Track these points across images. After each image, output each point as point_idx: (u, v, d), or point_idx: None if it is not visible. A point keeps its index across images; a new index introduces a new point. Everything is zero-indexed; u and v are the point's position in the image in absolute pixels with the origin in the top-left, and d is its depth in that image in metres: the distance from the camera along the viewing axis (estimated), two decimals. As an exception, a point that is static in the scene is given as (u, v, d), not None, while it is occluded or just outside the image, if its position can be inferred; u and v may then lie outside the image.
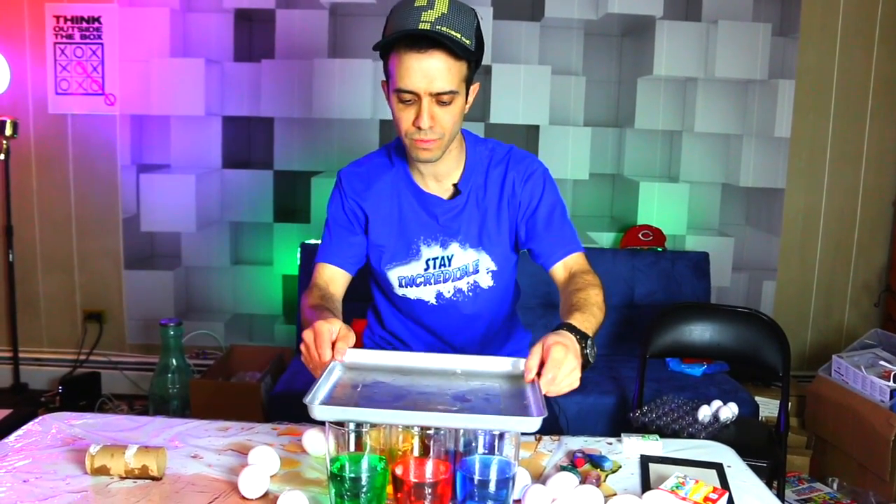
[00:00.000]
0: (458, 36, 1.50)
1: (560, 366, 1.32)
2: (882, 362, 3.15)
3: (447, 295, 1.77)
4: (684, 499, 1.31)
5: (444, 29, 1.48)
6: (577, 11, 3.77)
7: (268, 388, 3.31)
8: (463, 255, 1.74)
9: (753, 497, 1.39)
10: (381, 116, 3.80)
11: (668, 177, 4.15)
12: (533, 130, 3.97)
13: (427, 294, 1.77)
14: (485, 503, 1.20)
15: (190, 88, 3.73)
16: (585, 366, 1.40)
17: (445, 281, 1.76)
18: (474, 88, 1.63)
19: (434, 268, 1.75)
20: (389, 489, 1.24)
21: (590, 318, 1.52)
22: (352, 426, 1.23)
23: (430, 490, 1.20)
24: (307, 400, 1.21)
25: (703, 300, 3.56)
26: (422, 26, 1.47)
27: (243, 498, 1.30)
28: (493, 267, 1.76)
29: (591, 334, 1.47)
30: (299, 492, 1.25)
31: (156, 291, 3.93)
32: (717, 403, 2.71)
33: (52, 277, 3.99)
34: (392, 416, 1.24)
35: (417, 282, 1.77)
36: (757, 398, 3.15)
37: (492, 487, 1.20)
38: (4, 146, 3.64)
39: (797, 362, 3.84)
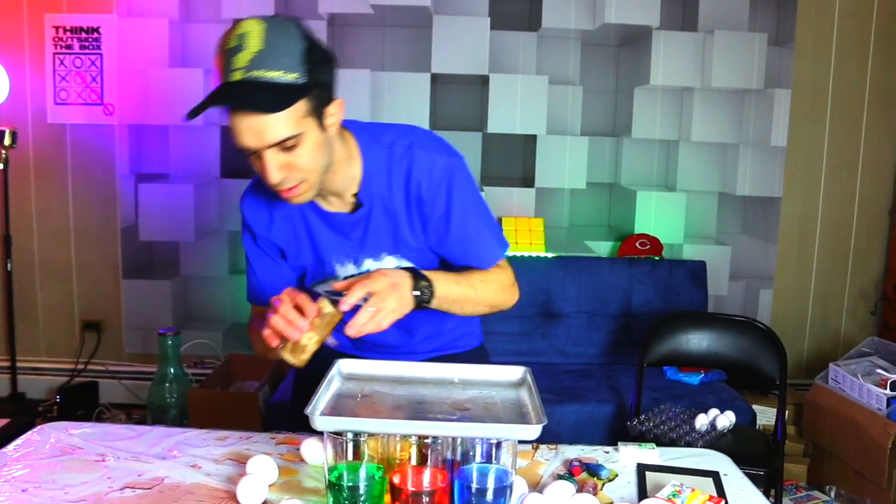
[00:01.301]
0: (280, 74, 1.30)
1: (383, 299, 1.38)
2: (879, 370, 3.16)
3: None
4: (681, 507, 1.32)
5: (257, 74, 1.29)
6: (574, 22, 3.79)
7: (266, 398, 3.31)
8: (380, 266, 1.62)
9: (750, 505, 1.40)
10: (379, 126, 3.81)
11: (665, 186, 4.16)
12: (530, 140, 3.98)
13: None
14: (482, 512, 1.20)
15: (188, 98, 3.73)
16: (419, 306, 1.46)
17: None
18: (337, 105, 1.42)
19: None
20: (387, 498, 1.24)
21: (449, 277, 1.54)
22: (350, 435, 1.24)
23: (427, 499, 1.20)
24: (308, 411, 1.22)
25: (700, 309, 3.57)
26: (234, 76, 1.30)
27: (242, 507, 1.31)
28: None
29: (433, 279, 1.48)
30: (297, 501, 1.25)
31: (154, 300, 3.93)
32: (714, 412, 2.72)
33: (51, 286, 3.99)
34: (392, 425, 1.25)
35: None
36: (754, 406, 3.16)
37: (489, 496, 1.20)
38: (3, 156, 3.65)
39: (794, 370, 3.85)
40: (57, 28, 3.78)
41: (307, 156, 1.39)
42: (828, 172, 3.93)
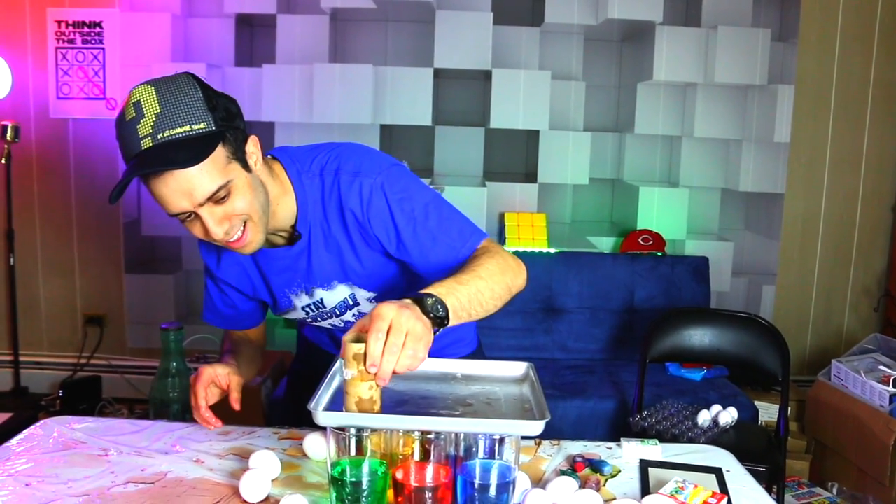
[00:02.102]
0: (187, 129, 1.27)
1: (400, 329, 1.16)
2: (882, 367, 3.16)
3: (342, 325, 1.66)
4: (683, 503, 1.32)
5: (166, 134, 1.26)
6: (577, 17, 3.78)
7: (268, 392, 3.31)
8: (332, 295, 1.58)
9: (752, 502, 1.39)
10: (382, 122, 3.81)
11: (667, 182, 4.16)
12: (533, 135, 3.98)
13: (325, 326, 1.69)
14: (485, 507, 1.20)
15: (191, 93, 3.73)
16: (437, 326, 1.23)
17: (330, 317, 1.64)
18: (252, 144, 1.39)
19: (313, 310, 1.63)
20: (390, 493, 1.24)
21: (446, 281, 1.30)
22: (352, 431, 1.23)
23: (430, 494, 1.20)
24: (311, 406, 1.22)
25: (702, 305, 3.57)
26: (144, 144, 1.26)
27: (244, 502, 1.31)
28: (370, 295, 1.57)
29: (434, 293, 1.25)
30: (300, 496, 1.25)
31: (156, 295, 3.94)
32: (716, 408, 2.72)
33: (53, 281, 3.99)
34: (395, 421, 1.24)
35: (307, 322, 1.70)
36: (756, 403, 3.16)
37: (492, 492, 1.20)
38: (6, 150, 3.65)
39: (797, 367, 3.84)
40: (59, 22, 3.78)
41: (242, 200, 1.35)
42: (831, 169, 3.93)
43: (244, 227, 1.38)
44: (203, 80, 1.35)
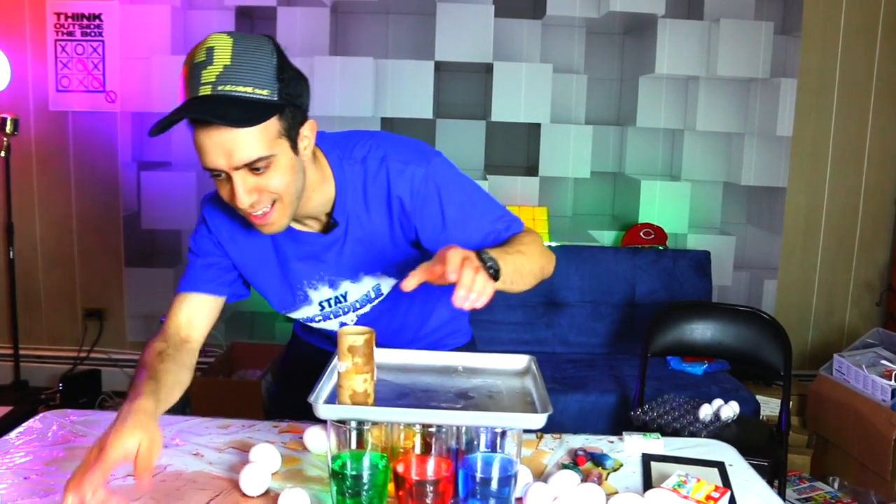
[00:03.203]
0: (250, 90, 1.23)
1: (470, 266, 1.18)
2: (883, 361, 3.15)
3: (352, 322, 1.61)
4: (686, 497, 1.31)
5: (227, 88, 1.21)
6: (579, 9, 3.76)
7: (268, 386, 3.31)
8: (358, 287, 1.55)
9: (755, 496, 1.39)
10: (382, 114, 3.80)
11: (669, 175, 4.15)
12: (534, 128, 3.97)
13: (331, 326, 1.62)
14: (487, 501, 1.19)
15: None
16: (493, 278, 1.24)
17: (346, 313, 1.60)
18: (309, 128, 1.34)
19: (330, 306, 1.58)
20: (391, 487, 1.23)
21: (495, 250, 1.31)
22: (353, 424, 1.23)
23: (431, 488, 1.19)
24: (311, 399, 1.21)
25: (704, 299, 3.56)
26: (202, 91, 1.21)
27: (244, 495, 1.30)
28: (394, 282, 1.55)
29: (491, 254, 1.26)
30: (300, 489, 1.24)
31: (156, 289, 3.93)
32: (718, 402, 2.71)
33: (53, 274, 3.99)
34: (397, 413, 1.23)
35: (316, 320, 1.63)
36: (758, 397, 3.15)
37: (494, 485, 1.19)
38: (5, 143, 3.64)
39: (798, 361, 3.84)
40: (59, 15, 3.76)
41: (279, 179, 1.30)
42: (833, 162, 3.92)
43: (272, 205, 1.33)
44: (282, 48, 1.30)
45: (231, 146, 1.24)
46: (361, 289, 1.55)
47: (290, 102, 1.28)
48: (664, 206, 3.89)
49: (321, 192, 1.44)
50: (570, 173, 3.93)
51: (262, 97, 1.24)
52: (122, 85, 3.80)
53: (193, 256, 1.56)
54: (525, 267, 1.35)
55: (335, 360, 1.37)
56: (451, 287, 1.19)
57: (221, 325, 3.93)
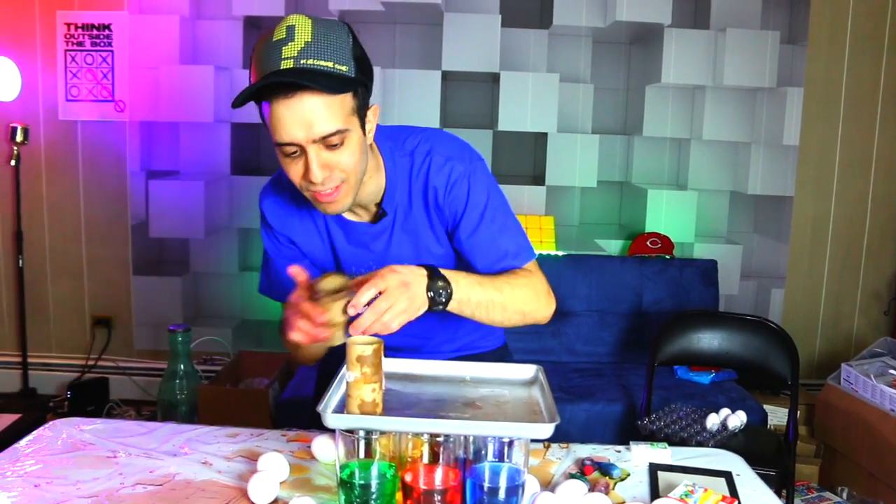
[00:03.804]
0: (331, 65, 1.28)
1: (392, 299, 1.26)
2: (892, 371, 3.14)
3: None
4: (694, 507, 1.31)
5: (310, 62, 1.27)
6: (586, 19, 3.78)
7: (276, 395, 3.31)
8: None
9: (763, 506, 1.39)
10: (390, 124, 3.79)
11: (676, 184, 4.15)
12: (541, 138, 3.97)
13: None
14: (494, 510, 1.20)
15: (199, 95, 3.74)
16: (432, 307, 1.33)
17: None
18: (373, 112, 1.41)
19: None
20: (399, 496, 1.24)
21: (473, 278, 1.40)
22: (361, 433, 1.23)
23: (439, 497, 1.20)
24: (320, 408, 1.21)
25: (711, 308, 3.56)
26: (283, 65, 1.26)
27: (253, 504, 1.31)
28: None
29: (452, 280, 1.35)
30: (309, 498, 1.25)
31: (164, 297, 3.95)
32: (725, 411, 2.71)
33: (62, 282, 4.00)
34: (405, 423, 1.24)
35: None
36: (765, 406, 3.14)
37: (502, 495, 1.20)
38: (15, 152, 3.68)
39: (806, 370, 3.82)
40: (68, 25, 3.79)
41: (350, 156, 1.35)
42: (840, 171, 3.91)
43: (338, 185, 1.37)
44: (355, 32, 1.36)
45: (311, 117, 1.28)
46: None
47: (363, 83, 1.35)
48: (671, 216, 3.89)
49: (374, 180, 1.50)
50: (577, 182, 3.94)
51: (341, 72, 1.29)
52: (130, 94, 3.82)
53: (270, 263, 1.65)
54: (495, 308, 1.42)
55: (343, 370, 1.38)
56: None
57: (228, 334, 3.95)
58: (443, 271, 1.35)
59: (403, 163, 1.51)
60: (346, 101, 1.31)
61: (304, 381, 3.11)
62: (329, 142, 1.32)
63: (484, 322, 1.45)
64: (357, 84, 1.33)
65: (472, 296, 1.39)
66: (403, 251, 1.55)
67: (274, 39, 1.28)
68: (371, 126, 1.41)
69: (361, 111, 1.36)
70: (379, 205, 1.53)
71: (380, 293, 1.27)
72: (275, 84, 1.26)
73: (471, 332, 1.74)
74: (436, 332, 1.70)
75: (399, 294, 1.27)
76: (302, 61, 1.26)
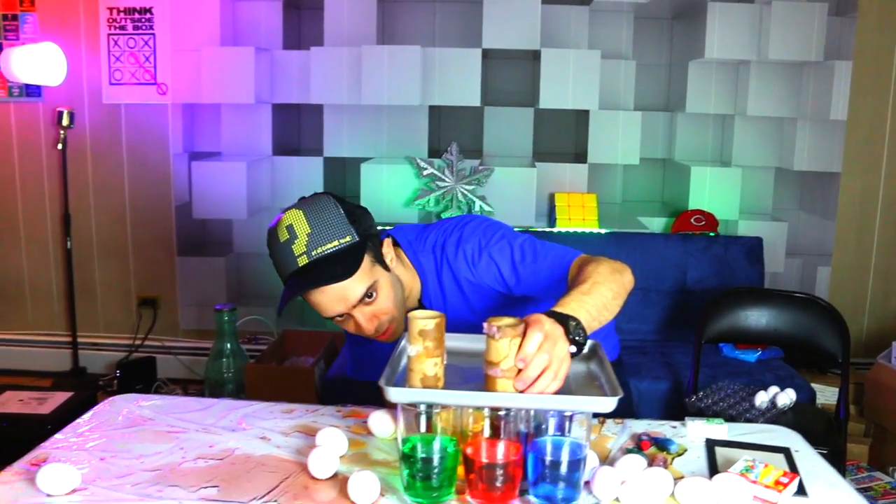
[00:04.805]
0: (336, 245, 1.48)
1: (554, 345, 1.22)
2: (944, 349, 3.08)
3: None
4: (755, 482, 1.30)
5: (319, 251, 1.46)
6: (627, -6, 3.72)
7: (321, 373, 3.34)
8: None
9: (824, 482, 1.37)
10: (430, 102, 3.80)
11: (720, 161, 4.09)
12: (583, 115, 3.94)
13: None
14: (556, 484, 1.19)
15: (240, 77, 3.76)
16: (578, 349, 1.28)
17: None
18: (386, 245, 1.59)
19: None
20: (460, 470, 1.24)
21: (572, 294, 1.37)
22: (423, 407, 1.24)
23: (501, 471, 1.20)
24: (382, 382, 1.22)
25: (756, 286, 3.51)
26: (300, 262, 1.47)
27: (313, 478, 1.32)
28: None
29: (576, 314, 1.31)
30: (370, 472, 1.26)
31: (208, 277, 3.99)
32: (774, 389, 2.67)
33: (108, 264, 4.07)
34: (467, 397, 1.24)
35: None
36: (812, 385, 3.10)
37: (563, 469, 1.20)
38: (62, 136, 3.73)
39: (853, 349, 3.71)
40: (111, 9, 3.83)
41: (387, 298, 1.54)
42: (890, 146, 3.82)
43: (389, 326, 1.57)
44: (340, 197, 1.55)
45: (343, 294, 1.49)
46: None
47: (368, 236, 1.53)
48: (714, 193, 3.84)
49: (413, 285, 1.69)
50: (619, 160, 3.90)
51: (347, 244, 1.48)
52: (172, 77, 3.86)
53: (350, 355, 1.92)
54: (607, 296, 1.42)
55: (403, 344, 1.39)
56: None
57: (272, 313, 3.98)
58: (558, 310, 1.31)
59: (428, 260, 1.69)
60: (364, 262, 1.50)
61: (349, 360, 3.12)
62: (366, 301, 1.52)
63: (609, 320, 1.43)
64: (365, 242, 1.51)
65: (590, 308, 1.35)
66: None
67: (281, 241, 1.48)
68: (390, 257, 1.59)
69: (378, 256, 1.55)
70: (420, 300, 1.71)
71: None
72: (301, 283, 1.46)
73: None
74: None
75: (557, 337, 1.24)
76: (313, 253, 1.46)
